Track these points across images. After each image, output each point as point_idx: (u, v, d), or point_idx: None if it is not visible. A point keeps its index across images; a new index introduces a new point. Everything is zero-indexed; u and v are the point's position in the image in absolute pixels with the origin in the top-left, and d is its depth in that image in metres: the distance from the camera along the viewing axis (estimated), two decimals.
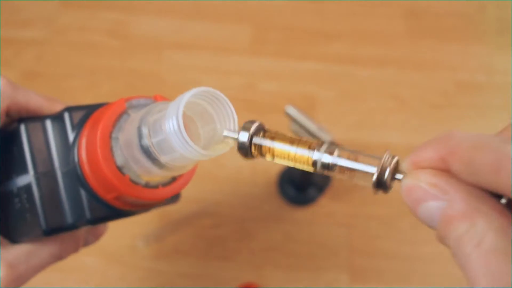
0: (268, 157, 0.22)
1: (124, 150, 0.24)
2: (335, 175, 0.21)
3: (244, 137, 0.22)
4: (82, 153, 0.26)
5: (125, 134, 0.24)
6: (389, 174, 0.19)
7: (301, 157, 0.21)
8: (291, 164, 0.22)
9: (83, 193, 0.27)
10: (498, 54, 0.68)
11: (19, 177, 0.27)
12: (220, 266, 0.51)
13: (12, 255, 0.28)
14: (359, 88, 0.64)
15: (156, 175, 0.25)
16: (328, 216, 0.54)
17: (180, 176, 0.27)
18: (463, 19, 0.71)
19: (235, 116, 0.23)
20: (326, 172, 0.21)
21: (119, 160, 0.25)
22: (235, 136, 0.22)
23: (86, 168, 0.26)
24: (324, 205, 0.55)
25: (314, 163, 0.21)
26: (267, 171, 0.57)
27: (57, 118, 0.28)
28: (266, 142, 0.22)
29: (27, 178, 0.27)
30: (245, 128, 0.22)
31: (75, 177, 0.27)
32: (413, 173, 0.18)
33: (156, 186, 0.26)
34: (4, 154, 0.28)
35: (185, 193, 0.56)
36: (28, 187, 0.27)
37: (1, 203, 0.29)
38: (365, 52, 0.67)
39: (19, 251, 0.28)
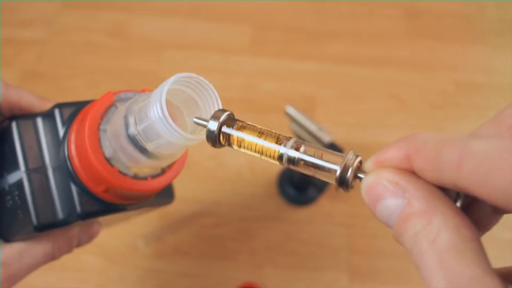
0: (236, 147, 0.22)
1: (112, 141, 0.25)
2: (300, 169, 0.21)
3: (213, 125, 0.22)
4: (71, 147, 0.26)
5: (113, 125, 0.25)
6: (351, 172, 0.19)
7: (268, 149, 0.22)
8: (257, 155, 0.22)
9: (73, 187, 0.27)
10: (498, 54, 0.68)
11: (10, 174, 0.27)
12: (220, 266, 0.51)
13: (4, 255, 0.28)
14: (359, 88, 0.64)
15: (144, 165, 0.25)
16: (328, 216, 0.54)
17: (169, 168, 0.27)
18: (463, 19, 0.71)
19: (219, 102, 0.24)
20: (291, 167, 0.21)
21: (108, 152, 0.25)
22: (205, 124, 0.22)
23: (76, 161, 0.26)
24: (324, 205, 0.55)
25: (280, 157, 0.21)
26: (267, 171, 0.57)
27: (48, 115, 0.28)
28: (235, 132, 0.22)
29: (18, 175, 0.27)
30: (215, 117, 0.22)
31: (66, 171, 0.27)
32: (375, 171, 0.18)
33: (145, 178, 0.26)
34: None
35: (185, 193, 0.57)
36: (19, 184, 0.27)
37: None
38: (365, 52, 0.67)
39: (12, 250, 0.28)
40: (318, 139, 0.45)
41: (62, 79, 0.63)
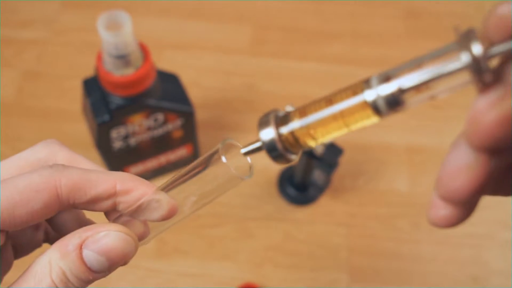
0: (311, 141, 0.16)
1: (106, 63, 0.43)
2: (409, 102, 0.15)
3: (268, 134, 0.16)
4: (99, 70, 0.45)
5: (105, 60, 0.44)
6: (483, 51, 0.13)
7: (353, 109, 0.15)
8: (344, 129, 0.16)
9: (106, 101, 0.45)
10: None
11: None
12: (220, 266, 0.51)
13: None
14: None
15: (121, 68, 0.43)
16: (328, 216, 0.54)
17: (139, 69, 0.44)
18: (462, 19, 0.71)
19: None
20: (397, 110, 0.15)
21: (106, 68, 0.44)
22: (256, 145, 0.16)
23: (101, 79, 0.44)
24: (324, 204, 0.55)
25: (374, 105, 0.15)
26: (267, 171, 0.57)
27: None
28: (299, 123, 0.16)
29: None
30: (263, 123, 0.16)
31: (102, 91, 0.45)
32: None
33: (122, 75, 0.43)
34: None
35: None
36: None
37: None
38: (365, 52, 0.67)
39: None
40: None
41: (62, 79, 0.63)
